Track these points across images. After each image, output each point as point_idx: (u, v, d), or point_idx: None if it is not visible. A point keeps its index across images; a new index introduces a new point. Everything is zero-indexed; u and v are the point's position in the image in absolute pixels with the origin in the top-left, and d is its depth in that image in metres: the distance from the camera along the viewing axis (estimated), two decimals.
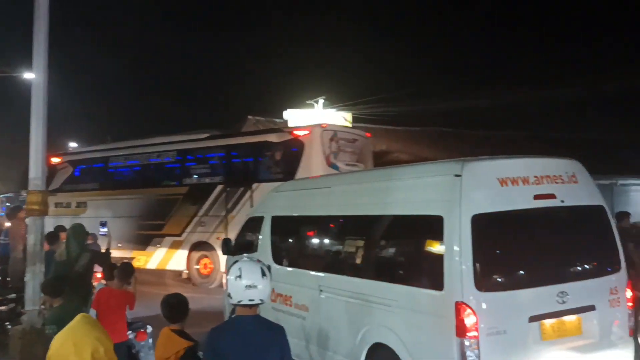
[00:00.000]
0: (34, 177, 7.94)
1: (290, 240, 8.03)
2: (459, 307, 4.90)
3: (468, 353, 4.86)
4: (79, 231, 8.28)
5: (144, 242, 15.78)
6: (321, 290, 6.63)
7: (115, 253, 12.26)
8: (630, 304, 5.67)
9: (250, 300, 3.56)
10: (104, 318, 6.16)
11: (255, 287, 3.54)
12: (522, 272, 5.35)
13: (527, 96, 30.52)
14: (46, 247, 8.61)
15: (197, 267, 15.05)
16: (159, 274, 16.18)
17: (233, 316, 3.70)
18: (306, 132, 13.21)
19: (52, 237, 9.19)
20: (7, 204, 27.69)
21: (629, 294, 5.67)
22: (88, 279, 7.99)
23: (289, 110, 26.65)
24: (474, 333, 4.86)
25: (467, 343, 4.86)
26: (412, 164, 6.80)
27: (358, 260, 6.45)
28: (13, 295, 9.37)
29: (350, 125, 27.41)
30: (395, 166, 6.95)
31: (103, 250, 8.80)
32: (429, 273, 5.32)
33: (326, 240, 7.08)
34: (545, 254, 5.40)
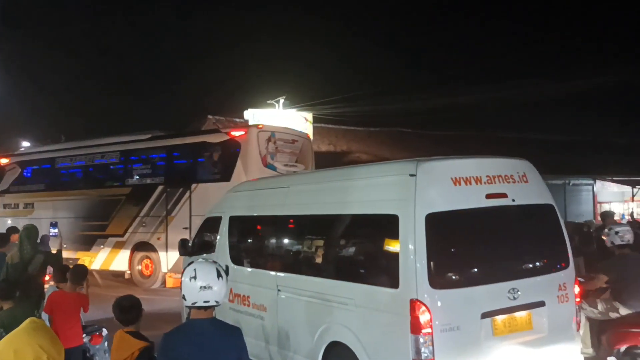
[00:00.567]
0: None
1: (248, 240, 8.02)
2: (414, 304, 4.97)
3: (422, 349, 4.95)
4: (32, 232, 8.11)
5: (88, 242, 15.84)
6: (279, 290, 6.64)
7: None
8: (577, 299, 5.87)
9: (205, 302, 3.46)
10: (57, 322, 6.04)
11: (210, 288, 3.44)
12: (474, 269, 5.48)
13: (484, 97, 31.13)
14: None
15: (139, 267, 15.17)
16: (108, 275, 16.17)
17: (188, 319, 3.63)
18: (242, 132, 13.40)
19: (3, 239, 8.96)
20: None
21: (576, 289, 5.86)
22: (41, 282, 7.83)
23: (249, 110, 26.58)
24: (428, 330, 4.95)
25: (421, 340, 4.94)
26: (369, 163, 6.86)
27: (316, 260, 6.50)
28: None
29: (311, 124, 27.53)
30: (353, 166, 7.01)
31: (54, 251, 8.61)
32: (385, 271, 5.39)
33: (284, 240, 7.09)
34: (497, 252, 5.55)
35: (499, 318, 5.28)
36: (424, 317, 4.96)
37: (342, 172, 6.75)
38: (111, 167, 16.31)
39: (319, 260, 6.45)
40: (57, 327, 5.79)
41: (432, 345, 4.95)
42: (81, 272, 6.60)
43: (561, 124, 37.54)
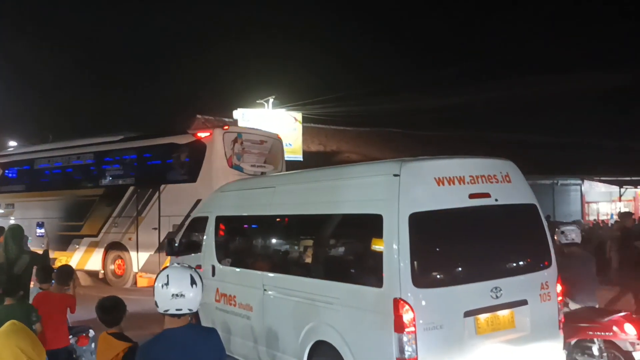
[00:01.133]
0: None
1: (235, 240, 8.03)
2: (397, 303, 5.02)
3: (406, 348, 4.99)
4: (17, 233, 8.08)
5: (65, 242, 16.03)
6: (265, 290, 6.67)
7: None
8: (560, 298, 5.93)
9: (177, 310, 3.28)
10: (44, 324, 6.01)
11: (182, 296, 3.26)
12: (457, 268, 5.53)
13: (473, 97, 31.30)
14: None
15: (112, 267, 15.41)
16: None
17: (163, 330, 3.38)
18: (207, 134, 13.56)
19: None
20: None
21: (559, 288, 5.93)
22: (27, 282, 7.80)
23: (239, 109, 26.54)
24: (412, 328, 4.99)
25: (405, 338, 4.99)
26: (354, 163, 6.91)
27: (301, 259, 6.53)
28: None
29: (300, 124, 27.55)
30: (338, 166, 7.05)
31: (40, 252, 8.58)
32: (370, 271, 5.43)
33: (270, 240, 7.12)
34: (480, 251, 5.59)
35: (482, 317, 5.34)
36: (407, 316, 5.00)
37: (328, 172, 6.78)
38: (85, 168, 16.59)
39: (304, 259, 6.49)
40: (43, 328, 5.77)
41: (416, 343, 5.00)
42: (67, 273, 6.57)
43: (550, 125, 37.85)
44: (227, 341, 7.15)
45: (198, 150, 13.53)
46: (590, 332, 6.28)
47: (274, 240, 7.07)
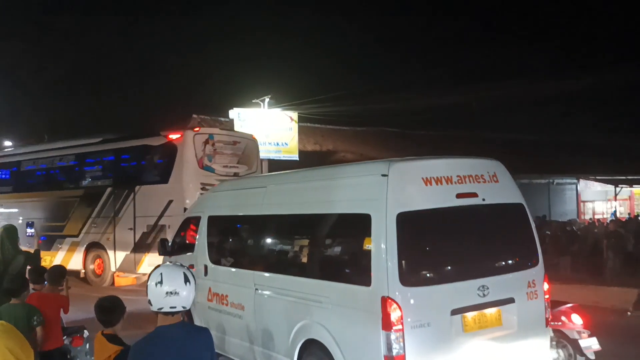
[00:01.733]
0: None
1: (227, 240, 8.09)
2: (385, 301, 5.09)
3: (394, 345, 5.06)
4: (12, 232, 8.11)
5: (49, 242, 16.29)
6: (257, 289, 6.73)
7: None
8: (547, 296, 6.01)
9: (171, 307, 3.32)
10: None
11: (177, 294, 3.30)
12: (445, 267, 5.60)
13: (468, 97, 31.35)
14: None
15: (92, 267, 15.69)
16: None
17: (156, 328, 3.41)
18: (178, 135, 13.80)
19: None
20: None
21: (546, 286, 6.00)
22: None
23: (234, 109, 26.56)
24: (399, 326, 5.06)
25: (392, 336, 5.06)
26: (344, 163, 6.98)
27: (292, 259, 6.61)
28: None
29: (296, 123, 27.58)
30: (327, 166, 7.12)
31: (32, 251, 8.62)
32: (358, 270, 5.51)
33: (261, 239, 7.17)
34: (468, 250, 5.67)
35: (469, 315, 5.41)
36: (395, 314, 5.07)
37: (318, 172, 6.85)
38: (66, 170, 16.97)
39: (295, 259, 6.57)
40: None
41: (403, 341, 5.07)
42: (60, 273, 6.55)
43: (545, 124, 37.97)
44: (220, 340, 7.22)
45: (169, 152, 13.82)
46: None
47: (265, 240, 7.13)
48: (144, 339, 3.37)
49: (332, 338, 5.62)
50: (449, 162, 5.88)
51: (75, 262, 15.78)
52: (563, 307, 6.86)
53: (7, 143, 29.64)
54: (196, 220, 8.14)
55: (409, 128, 32.24)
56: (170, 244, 8.70)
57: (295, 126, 27.32)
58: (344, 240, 6.02)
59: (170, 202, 13.47)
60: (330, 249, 6.22)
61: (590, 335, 6.68)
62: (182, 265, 3.51)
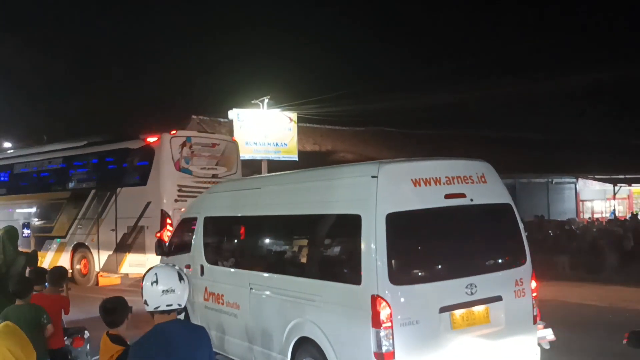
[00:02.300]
0: None
1: (222, 240, 8.24)
2: (375, 300, 5.22)
3: (383, 342, 5.19)
4: (13, 234, 8.20)
5: (39, 243, 16.64)
6: (252, 289, 6.86)
7: None
8: (534, 294, 6.14)
9: (168, 305, 3.40)
10: None
11: (172, 291, 3.40)
12: (433, 266, 5.74)
13: (467, 96, 31.44)
14: None
15: (78, 267, 16.05)
16: None
17: (154, 326, 3.46)
18: (155, 139, 14.11)
19: None
20: None
21: (533, 284, 6.14)
22: None
23: (234, 109, 26.67)
24: (389, 324, 5.20)
25: (382, 333, 5.19)
26: (335, 165, 7.12)
27: (285, 258, 6.76)
28: None
29: (295, 124, 27.69)
30: (320, 167, 7.25)
31: (29, 252, 8.74)
32: (349, 269, 5.65)
33: (256, 240, 7.31)
34: (456, 249, 5.80)
35: (457, 312, 5.54)
36: (384, 312, 5.20)
37: (310, 173, 6.99)
38: (53, 172, 17.44)
39: (288, 258, 6.71)
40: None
41: (393, 338, 5.20)
42: (60, 274, 6.63)
43: (544, 123, 38.04)
44: (216, 339, 7.36)
45: (148, 155, 14.16)
46: None
47: (259, 240, 7.28)
48: (144, 336, 3.42)
49: (325, 336, 5.75)
50: (438, 163, 6.02)
51: (63, 262, 16.08)
52: None
53: (7, 145, 29.79)
54: (193, 221, 8.28)
55: (408, 127, 32.33)
56: (167, 244, 8.83)
57: (294, 126, 27.41)
58: (336, 240, 6.16)
59: (149, 203, 13.83)
60: (322, 248, 6.36)
61: (545, 327, 6.67)
62: (174, 266, 3.62)
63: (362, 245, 5.44)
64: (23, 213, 17.55)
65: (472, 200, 5.86)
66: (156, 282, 3.41)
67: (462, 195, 5.82)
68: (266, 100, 27.40)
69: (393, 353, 5.21)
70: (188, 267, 7.95)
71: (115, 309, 4.42)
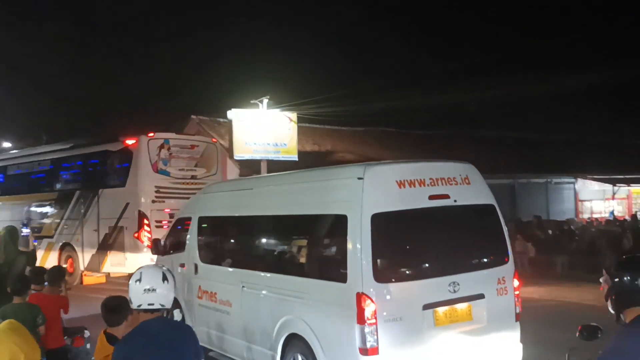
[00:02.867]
0: None
1: (215, 239, 8.42)
2: (360, 297, 5.41)
3: (368, 338, 5.39)
4: (14, 233, 8.35)
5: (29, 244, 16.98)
6: (243, 287, 7.06)
7: None
8: (517, 292, 6.32)
9: (149, 304, 3.44)
10: None
11: (154, 290, 3.45)
12: (417, 265, 5.93)
13: (467, 96, 31.53)
14: None
15: (65, 266, 16.23)
16: None
17: (140, 322, 3.51)
18: (133, 141, 14.43)
19: None
20: None
21: (516, 283, 6.32)
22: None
23: (233, 110, 26.81)
24: (373, 320, 5.39)
25: (367, 329, 5.38)
26: (323, 167, 7.31)
27: (275, 257, 6.96)
28: None
29: (295, 124, 27.87)
30: (308, 169, 7.44)
31: (28, 251, 8.87)
32: (336, 267, 5.83)
33: (247, 239, 7.51)
34: (439, 249, 6.00)
35: (440, 309, 5.73)
36: (369, 309, 5.40)
37: (300, 175, 7.19)
38: (43, 174, 17.94)
39: (278, 257, 6.92)
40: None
41: (377, 334, 5.40)
42: (59, 274, 6.71)
43: (543, 123, 38.14)
44: (209, 335, 7.55)
45: (126, 157, 14.50)
46: None
47: (250, 240, 7.47)
48: (129, 333, 3.52)
49: (312, 332, 5.94)
50: (422, 165, 6.21)
51: (51, 261, 16.44)
52: None
53: (6, 144, 29.99)
54: (187, 221, 8.48)
55: (408, 128, 32.43)
56: (162, 243, 9.02)
57: (294, 127, 27.54)
58: (323, 240, 6.36)
59: (127, 204, 14.16)
60: (310, 247, 6.55)
61: None
62: (162, 266, 3.71)
63: (348, 245, 5.63)
64: (15, 213, 17.93)
65: (455, 201, 6.04)
66: (139, 280, 3.48)
67: (446, 196, 6.00)
68: (265, 100, 27.54)
69: (377, 348, 5.40)
70: (183, 265, 8.14)
71: (113, 308, 4.48)
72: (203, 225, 8.19)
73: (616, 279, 2.93)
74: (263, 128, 26.12)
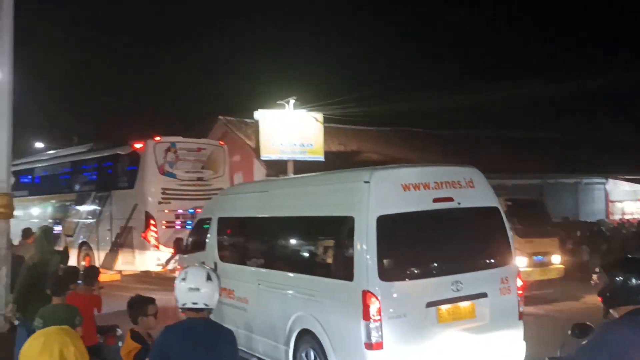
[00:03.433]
0: None
1: (233, 239, 8.81)
2: (365, 294, 5.71)
3: (373, 334, 5.68)
4: (49, 233, 8.70)
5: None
6: (259, 284, 7.42)
7: None
8: (520, 292, 6.53)
9: (193, 303, 3.54)
10: None
11: (198, 290, 3.53)
12: (421, 264, 6.19)
13: (494, 96, 31.43)
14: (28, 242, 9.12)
15: (83, 263, 16.91)
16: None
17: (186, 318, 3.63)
18: (141, 145, 15.05)
19: (27, 236, 9.72)
20: None
21: (519, 283, 6.53)
22: None
23: (260, 110, 27.23)
24: (378, 317, 5.68)
25: (372, 325, 5.68)
26: (333, 171, 7.63)
27: (288, 256, 7.31)
28: None
29: (321, 124, 28.16)
30: (319, 173, 7.77)
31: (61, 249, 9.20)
32: (343, 266, 6.14)
33: (262, 239, 7.88)
34: (443, 249, 6.26)
35: (444, 307, 5.99)
36: (374, 306, 5.69)
37: (311, 178, 7.54)
38: (64, 176, 18.89)
39: (290, 256, 7.26)
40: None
41: (381, 330, 5.69)
42: (94, 273, 7.02)
43: (573, 123, 37.71)
44: None
45: (135, 160, 15.15)
46: None
47: (265, 239, 7.84)
48: (173, 325, 3.65)
49: (322, 328, 6.26)
50: (427, 170, 6.48)
51: (71, 260, 17.16)
52: None
53: (39, 145, 30.98)
54: (207, 221, 8.88)
55: (434, 128, 32.42)
56: (185, 243, 9.45)
57: (320, 127, 27.83)
58: (332, 240, 6.67)
59: (136, 205, 14.77)
60: (320, 247, 6.88)
61: None
62: (207, 267, 3.84)
63: (355, 245, 5.94)
64: (42, 212, 18.93)
65: (459, 203, 6.29)
66: (184, 279, 3.58)
67: (450, 199, 6.26)
68: (292, 101, 27.90)
69: (382, 344, 5.68)
70: (203, 264, 8.54)
71: (130, 305, 4.71)
72: (222, 226, 8.58)
73: (617, 278, 3.14)
74: (289, 128, 26.48)
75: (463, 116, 34.73)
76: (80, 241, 17.10)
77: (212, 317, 3.75)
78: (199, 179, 15.29)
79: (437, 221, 6.26)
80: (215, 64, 68.88)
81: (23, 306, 6.91)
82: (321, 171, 8.79)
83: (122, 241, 15.17)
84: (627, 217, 32.09)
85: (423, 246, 6.23)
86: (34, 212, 19.12)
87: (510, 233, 6.64)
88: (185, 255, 9.22)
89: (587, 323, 4.06)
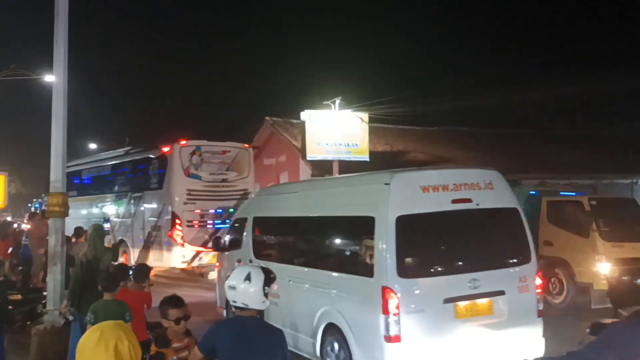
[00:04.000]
0: (54, 179, 8.44)
1: (266, 238, 9.30)
2: (385, 290, 6.06)
3: (392, 327, 6.02)
4: (100, 230, 9.27)
5: None
6: (289, 280, 7.84)
7: None
8: (539, 290, 6.72)
9: (233, 301, 3.63)
10: None
11: (234, 288, 3.60)
12: (439, 262, 6.50)
13: (543, 94, 30.92)
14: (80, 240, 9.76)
15: (121, 259, 17.67)
16: None
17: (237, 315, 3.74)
18: (168, 148, 15.76)
19: (79, 235, 10.41)
20: (36, 206, 30.16)
21: (538, 281, 6.72)
22: None
23: (306, 111, 27.69)
24: (396, 311, 6.02)
25: (390, 319, 6.02)
26: (356, 173, 8.00)
27: (315, 254, 7.72)
28: (34, 296, 9.91)
29: (366, 124, 28.42)
30: (342, 175, 8.16)
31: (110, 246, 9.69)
32: (365, 264, 6.52)
33: (292, 237, 8.34)
34: (461, 248, 6.54)
35: (461, 303, 6.26)
36: (392, 301, 6.03)
37: (335, 180, 7.97)
38: (106, 177, 19.97)
39: (317, 254, 7.67)
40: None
41: (400, 324, 6.01)
42: (145, 271, 7.19)
43: (626, 121, 36.64)
44: None
45: (163, 162, 15.91)
46: None
47: (294, 238, 8.29)
48: (227, 320, 4.09)
49: (345, 321, 6.64)
50: (446, 172, 6.78)
51: None
52: None
53: (92, 146, 32.43)
54: (244, 220, 9.39)
55: (481, 127, 32.14)
56: (223, 241, 10.00)
57: (365, 127, 27.99)
58: (355, 239, 7.04)
59: (164, 205, 15.59)
60: (343, 245, 7.30)
61: None
62: (258, 267, 3.82)
63: (376, 243, 6.29)
64: (88, 211, 20.04)
65: (478, 204, 6.54)
66: (229, 276, 3.69)
67: (468, 200, 6.52)
68: (337, 101, 28.25)
69: (400, 337, 6.02)
70: (239, 261, 9.05)
71: (159, 306, 4.75)
72: (256, 225, 9.07)
73: (636, 281, 3.44)
74: (335, 129, 26.82)
75: (511, 115, 34.23)
76: (119, 239, 18.00)
77: None
78: (224, 180, 15.99)
79: (456, 221, 6.53)
80: (263, 65, 70.06)
81: (77, 302, 7.22)
82: (366, 171, 9.06)
83: (153, 239, 16.06)
84: None
85: (441, 245, 6.52)
86: (81, 212, 20.22)
87: (529, 233, 6.83)
88: (223, 253, 9.77)
89: (603, 321, 4.28)
